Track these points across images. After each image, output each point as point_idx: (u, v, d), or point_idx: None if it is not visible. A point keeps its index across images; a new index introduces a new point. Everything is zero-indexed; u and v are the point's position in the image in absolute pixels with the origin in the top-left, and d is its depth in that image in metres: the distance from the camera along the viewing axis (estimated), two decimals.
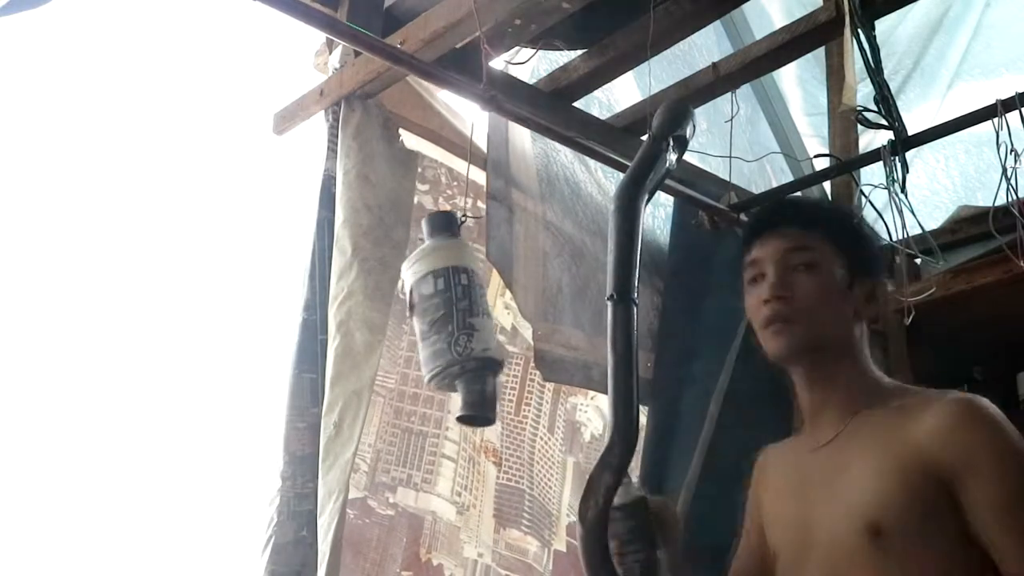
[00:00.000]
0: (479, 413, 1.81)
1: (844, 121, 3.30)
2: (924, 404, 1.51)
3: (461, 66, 2.30)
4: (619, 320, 1.43)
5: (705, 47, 3.19)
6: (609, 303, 1.44)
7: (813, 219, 1.68)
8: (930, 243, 2.44)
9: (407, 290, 1.89)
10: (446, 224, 1.93)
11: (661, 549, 1.54)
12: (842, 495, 1.52)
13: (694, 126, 1.60)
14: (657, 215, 2.98)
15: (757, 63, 2.54)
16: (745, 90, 2.90)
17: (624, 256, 1.45)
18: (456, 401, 1.84)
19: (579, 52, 2.60)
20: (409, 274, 1.88)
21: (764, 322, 1.61)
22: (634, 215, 1.46)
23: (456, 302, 1.83)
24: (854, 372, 1.62)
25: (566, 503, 2.79)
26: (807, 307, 1.59)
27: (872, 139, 3.06)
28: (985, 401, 1.49)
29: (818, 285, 1.61)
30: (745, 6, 2.86)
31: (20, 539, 2.55)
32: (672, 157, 1.52)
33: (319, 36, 2.51)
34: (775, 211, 1.77)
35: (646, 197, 1.49)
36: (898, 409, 1.54)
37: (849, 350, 1.61)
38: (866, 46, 2.28)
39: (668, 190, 2.55)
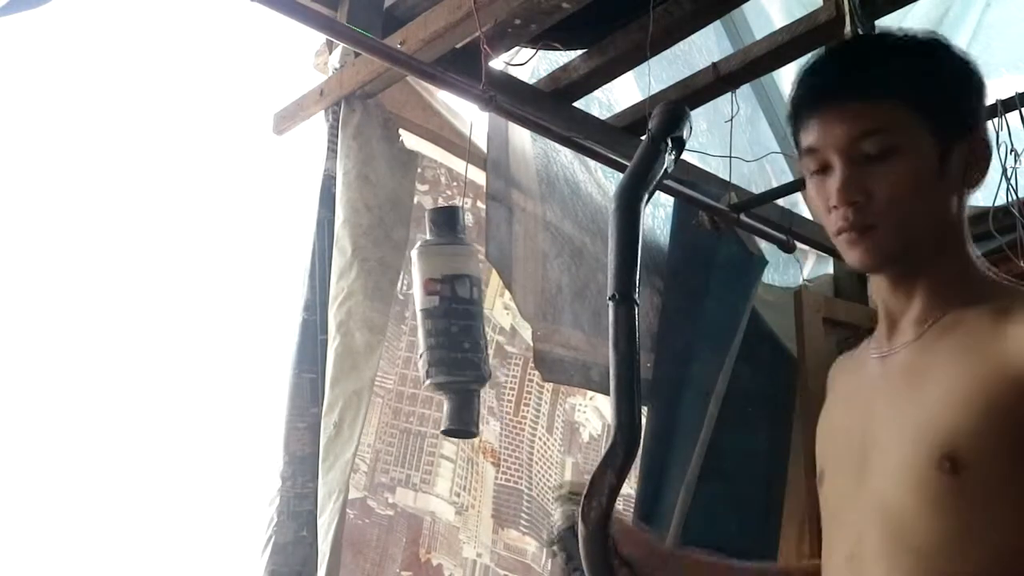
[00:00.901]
0: (470, 427, 1.84)
1: None
2: (1009, 309, 1.20)
3: (461, 66, 2.30)
4: (621, 320, 1.43)
5: (705, 47, 3.19)
6: (611, 303, 1.44)
7: (884, 81, 1.30)
8: None
9: (433, 276, 1.85)
10: (462, 225, 1.93)
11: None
12: (913, 414, 1.24)
13: (691, 127, 1.60)
14: (657, 215, 2.98)
15: (757, 63, 2.54)
16: (745, 90, 2.90)
17: (625, 256, 1.45)
18: (444, 410, 1.85)
19: (579, 52, 2.60)
20: (439, 262, 1.85)
21: (836, 230, 1.30)
22: (634, 215, 1.46)
23: (482, 317, 1.84)
24: (951, 266, 1.30)
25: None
26: (890, 209, 1.26)
27: None
28: None
29: (902, 177, 1.27)
30: (745, 6, 2.86)
31: (20, 539, 2.55)
32: (670, 158, 1.52)
33: (319, 36, 2.51)
34: (832, 76, 1.37)
35: (646, 197, 1.49)
36: (999, 312, 1.21)
37: (947, 241, 1.30)
38: None
39: (668, 190, 2.55)
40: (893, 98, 1.28)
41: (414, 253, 1.89)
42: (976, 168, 1.30)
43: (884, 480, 1.24)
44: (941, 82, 1.31)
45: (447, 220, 1.92)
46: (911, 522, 1.21)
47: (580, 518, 1.35)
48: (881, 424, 1.28)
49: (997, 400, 1.16)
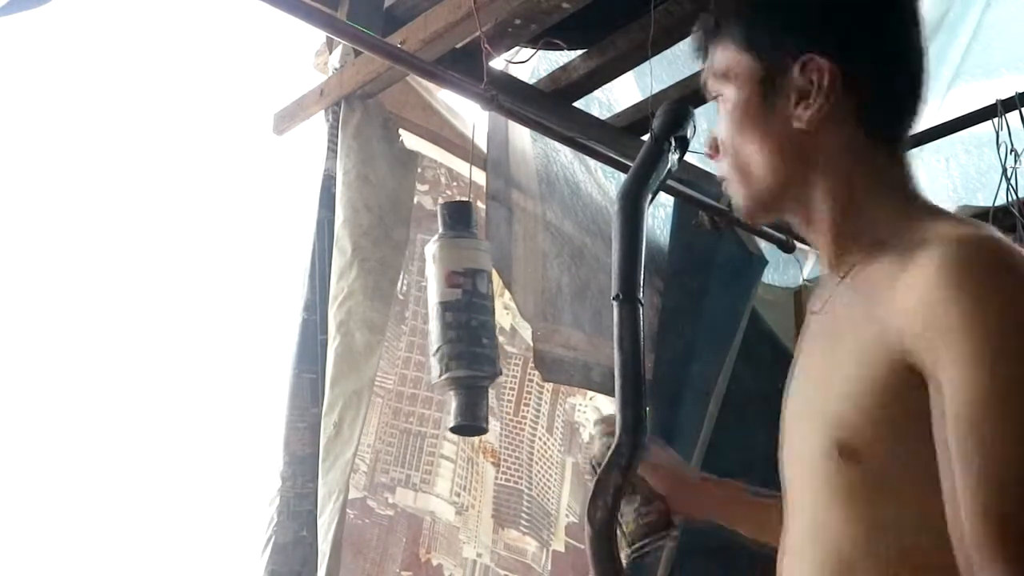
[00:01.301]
0: (480, 424, 1.83)
1: None
2: (908, 256, 1.00)
3: (461, 66, 2.30)
4: (625, 320, 1.43)
5: None
6: (615, 303, 1.44)
7: (717, 19, 1.24)
8: None
9: (455, 269, 1.83)
10: (474, 221, 1.92)
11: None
12: (814, 398, 1.11)
13: (695, 126, 1.60)
14: (657, 215, 2.98)
15: None
16: None
17: (629, 256, 1.45)
18: (452, 407, 1.84)
19: (579, 52, 2.60)
20: (461, 255, 1.83)
21: None
22: (638, 215, 1.46)
23: (494, 313, 1.84)
24: (851, 206, 1.11)
25: (565, 503, 2.79)
26: (727, 155, 1.18)
27: None
28: (989, 244, 0.98)
29: (726, 118, 1.18)
30: None
31: (20, 539, 2.55)
32: (674, 157, 1.52)
33: (319, 36, 2.51)
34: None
35: (649, 197, 1.49)
36: (898, 259, 1.02)
37: (828, 179, 1.12)
38: None
39: (668, 190, 2.54)
40: (722, 34, 1.21)
41: (434, 245, 1.86)
42: (812, 96, 1.10)
43: (796, 473, 1.14)
44: (761, 5, 1.20)
45: (463, 215, 1.91)
46: (823, 517, 1.07)
47: (586, 518, 1.35)
48: (793, 409, 1.16)
49: (881, 379, 0.99)
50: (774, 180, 1.14)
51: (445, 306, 1.80)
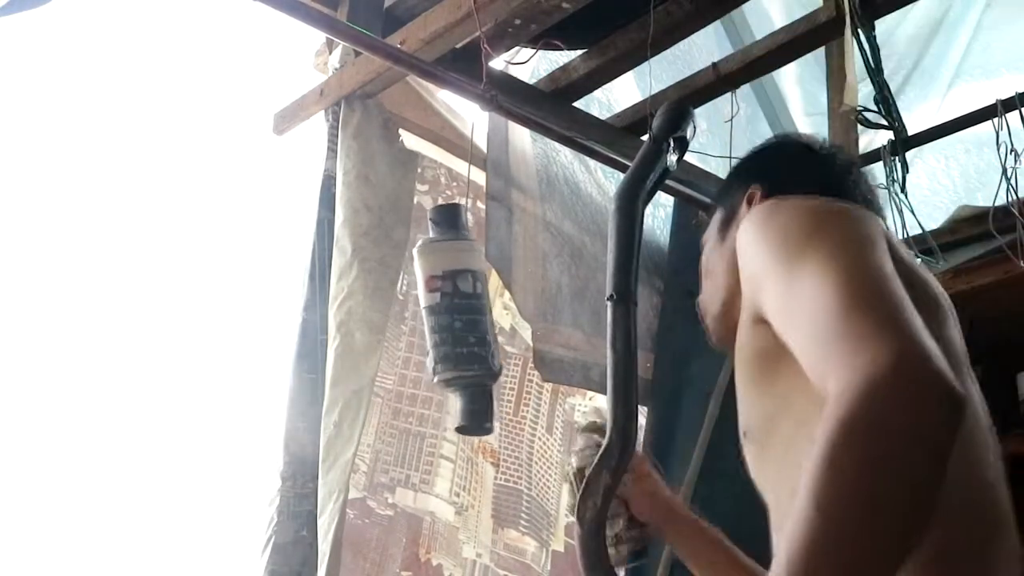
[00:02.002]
0: (485, 424, 1.82)
1: (844, 121, 3.30)
2: None
3: (461, 66, 2.30)
4: (619, 320, 1.43)
5: (705, 47, 3.19)
6: (609, 303, 1.44)
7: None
8: (930, 243, 2.44)
9: (434, 272, 1.84)
10: (464, 222, 1.92)
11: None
12: None
13: (694, 127, 1.60)
14: (657, 215, 2.98)
15: (757, 63, 2.54)
16: (745, 90, 2.90)
17: (624, 257, 1.45)
18: (455, 408, 1.84)
19: (579, 52, 2.60)
20: (439, 258, 1.85)
21: None
22: (634, 216, 1.46)
23: (489, 312, 1.83)
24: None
25: (564, 504, 2.79)
26: (702, 296, 1.51)
27: (872, 139, 3.06)
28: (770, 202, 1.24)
29: (704, 264, 1.50)
30: (745, 6, 2.86)
31: (20, 539, 2.55)
32: (672, 158, 1.52)
33: (319, 36, 2.51)
34: None
35: (647, 198, 1.49)
36: None
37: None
38: (866, 46, 2.28)
39: (668, 190, 2.55)
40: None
41: (415, 252, 1.88)
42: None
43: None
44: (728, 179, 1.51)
45: (447, 217, 1.92)
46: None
47: (576, 518, 1.36)
48: None
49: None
50: (728, 294, 1.36)
51: (428, 311, 1.82)
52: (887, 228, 1.21)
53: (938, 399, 0.87)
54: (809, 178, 1.37)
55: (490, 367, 1.79)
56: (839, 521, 0.84)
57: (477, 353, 1.78)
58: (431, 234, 1.91)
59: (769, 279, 1.10)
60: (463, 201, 2.25)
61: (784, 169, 1.42)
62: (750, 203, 1.35)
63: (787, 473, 1.12)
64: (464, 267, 1.83)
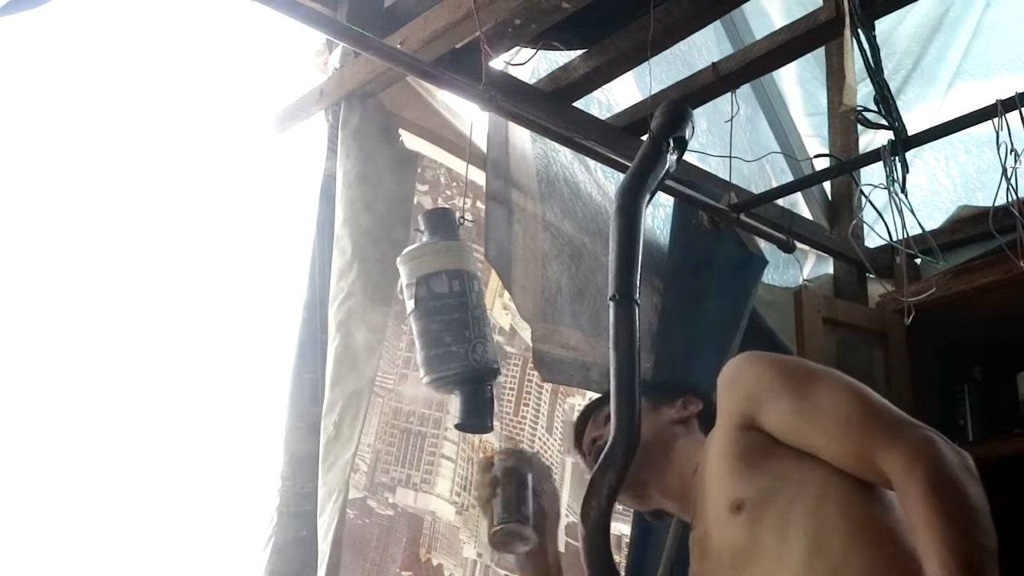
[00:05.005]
0: (483, 421, 1.83)
1: (844, 121, 3.30)
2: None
3: (461, 66, 2.30)
4: (621, 320, 1.44)
5: (705, 47, 3.19)
6: (611, 303, 1.45)
7: None
8: (930, 243, 2.43)
9: (409, 281, 1.87)
10: (451, 224, 1.93)
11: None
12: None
13: (693, 127, 1.61)
14: (657, 215, 2.98)
15: (757, 63, 2.54)
16: (745, 90, 2.90)
17: (626, 257, 1.45)
18: (454, 405, 1.85)
19: (579, 52, 2.60)
20: (413, 266, 1.87)
21: None
22: (635, 216, 1.46)
23: (472, 308, 1.84)
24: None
25: (564, 503, 2.79)
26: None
27: (872, 139, 3.07)
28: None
29: None
30: (745, 6, 2.86)
31: (20, 539, 2.55)
32: (672, 158, 1.52)
33: (319, 36, 2.51)
34: None
35: (647, 198, 1.50)
36: None
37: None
38: (866, 46, 2.28)
39: (668, 190, 2.54)
40: None
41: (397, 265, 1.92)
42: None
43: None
44: None
45: (428, 224, 1.94)
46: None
47: (580, 518, 1.36)
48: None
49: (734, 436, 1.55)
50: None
51: (411, 319, 1.86)
52: None
53: (955, 450, 1.36)
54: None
55: (470, 362, 1.79)
56: (970, 525, 1.27)
57: (454, 352, 1.79)
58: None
59: (780, 398, 1.48)
60: (463, 201, 2.25)
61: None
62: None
63: (790, 533, 1.42)
64: (436, 269, 1.85)
